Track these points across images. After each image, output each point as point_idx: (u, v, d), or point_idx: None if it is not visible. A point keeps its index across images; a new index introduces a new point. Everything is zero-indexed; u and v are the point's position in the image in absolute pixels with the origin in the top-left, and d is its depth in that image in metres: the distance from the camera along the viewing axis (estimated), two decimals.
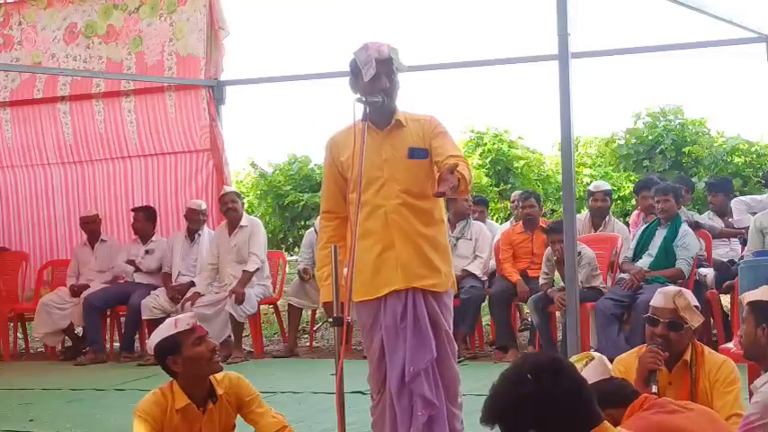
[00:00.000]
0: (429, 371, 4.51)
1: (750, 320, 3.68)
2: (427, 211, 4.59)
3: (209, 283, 9.31)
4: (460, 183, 4.21)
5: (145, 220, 9.77)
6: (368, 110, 4.44)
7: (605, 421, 2.66)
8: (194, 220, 9.52)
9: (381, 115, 4.57)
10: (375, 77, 4.46)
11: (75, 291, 9.69)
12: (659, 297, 4.22)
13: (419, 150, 4.57)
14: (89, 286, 9.72)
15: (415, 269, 4.56)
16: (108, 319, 9.78)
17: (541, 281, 8.13)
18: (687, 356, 4.18)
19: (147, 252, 9.71)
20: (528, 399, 2.56)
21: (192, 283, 9.37)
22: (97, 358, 9.39)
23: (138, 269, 9.69)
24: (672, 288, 4.36)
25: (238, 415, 4.54)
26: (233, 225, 9.28)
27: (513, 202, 9.85)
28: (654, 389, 3.98)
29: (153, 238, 9.77)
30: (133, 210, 9.88)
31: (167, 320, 4.46)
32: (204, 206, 9.61)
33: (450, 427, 4.60)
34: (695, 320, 4.15)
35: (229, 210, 9.26)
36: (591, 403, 2.64)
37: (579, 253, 7.56)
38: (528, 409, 2.56)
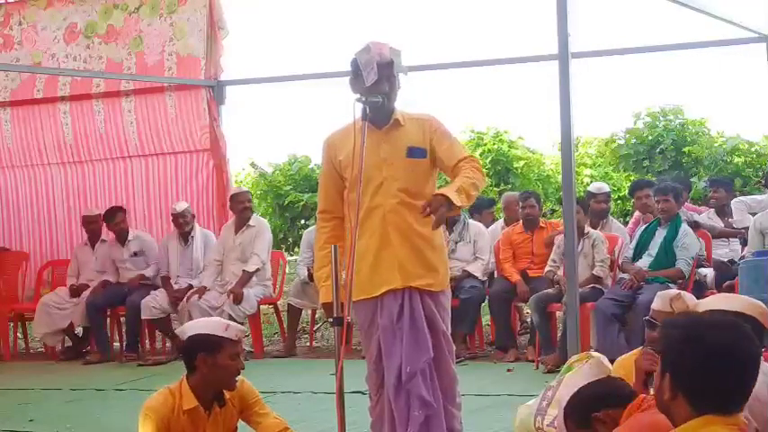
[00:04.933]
0: (426, 371, 4.50)
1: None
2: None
3: (214, 279, 9.29)
4: (453, 203, 4.22)
5: (125, 219, 9.72)
6: (367, 109, 4.44)
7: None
8: (179, 224, 9.43)
9: (380, 115, 4.57)
10: (377, 81, 4.46)
11: (75, 291, 9.69)
12: (657, 300, 4.23)
13: (418, 149, 4.57)
14: (89, 286, 9.71)
15: (413, 268, 4.56)
16: (108, 320, 9.77)
17: (547, 269, 8.16)
18: None
19: (135, 254, 9.66)
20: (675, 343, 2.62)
21: (191, 287, 9.31)
22: (104, 358, 9.41)
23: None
24: (671, 291, 4.36)
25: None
26: (241, 223, 9.26)
27: (509, 203, 9.74)
28: (653, 391, 3.97)
29: (129, 237, 9.70)
30: (109, 212, 9.65)
31: (215, 318, 4.47)
32: (183, 206, 9.45)
33: (449, 427, 4.60)
34: None
35: (245, 209, 9.26)
36: (718, 380, 2.57)
37: (588, 233, 8.07)
38: (682, 351, 2.59)
